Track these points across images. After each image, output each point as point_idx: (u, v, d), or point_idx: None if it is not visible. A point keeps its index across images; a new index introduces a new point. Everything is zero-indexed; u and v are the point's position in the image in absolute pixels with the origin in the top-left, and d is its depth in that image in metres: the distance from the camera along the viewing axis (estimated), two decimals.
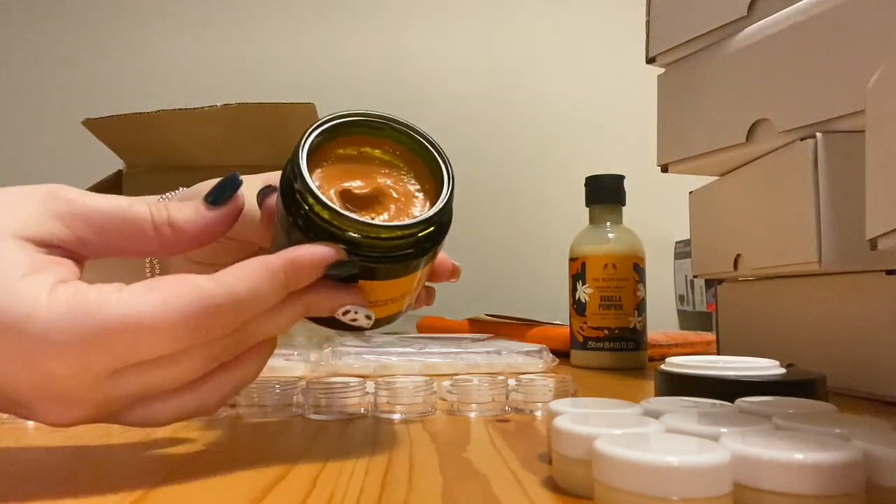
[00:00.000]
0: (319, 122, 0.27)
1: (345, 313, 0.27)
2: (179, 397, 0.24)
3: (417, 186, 0.29)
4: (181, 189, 0.35)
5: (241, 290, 0.23)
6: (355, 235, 0.25)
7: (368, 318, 0.27)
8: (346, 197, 0.27)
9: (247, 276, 0.23)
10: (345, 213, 0.25)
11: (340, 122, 0.28)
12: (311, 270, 0.25)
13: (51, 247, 0.24)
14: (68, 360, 0.21)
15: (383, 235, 0.26)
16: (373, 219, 0.27)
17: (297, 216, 0.26)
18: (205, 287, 0.23)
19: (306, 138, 0.26)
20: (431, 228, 0.27)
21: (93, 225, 0.24)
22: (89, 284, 0.22)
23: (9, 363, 0.21)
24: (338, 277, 0.26)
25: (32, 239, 0.23)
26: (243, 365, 0.26)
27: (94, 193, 0.25)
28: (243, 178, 0.31)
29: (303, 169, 0.25)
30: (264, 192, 0.29)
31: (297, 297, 0.26)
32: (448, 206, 0.27)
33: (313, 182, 0.25)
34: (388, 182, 0.28)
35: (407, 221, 0.26)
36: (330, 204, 0.25)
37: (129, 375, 0.22)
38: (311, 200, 0.25)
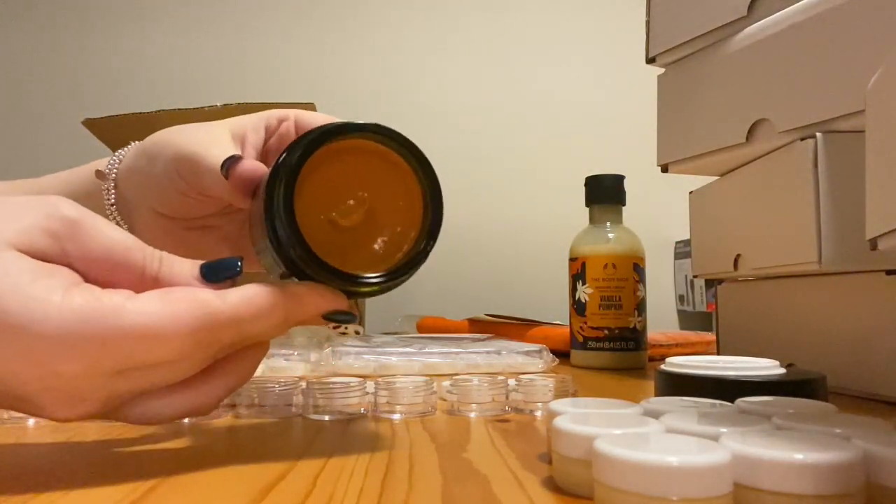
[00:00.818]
0: (303, 147, 0.26)
1: (335, 326, 0.28)
2: (178, 396, 0.25)
3: (407, 206, 0.29)
4: (133, 143, 0.35)
5: (244, 312, 0.25)
6: (347, 288, 0.27)
7: (357, 332, 0.28)
8: (334, 225, 0.28)
9: (252, 301, 0.25)
10: (338, 272, 0.26)
11: (329, 133, 0.27)
12: (312, 313, 0.26)
13: (42, 261, 0.23)
14: (80, 360, 0.22)
15: (369, 290, 0.28)
16: (362, 252, 0.28)
17: (288, 262, 0.26)
18: (212, 304, 0.24)
19: (289, 180, 0.26)
20: (414, 270, 0.28)
21: (84, 252, 0.24)
22: (101, 290, 0.23)
23: (19, 362, 0.22)
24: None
25: (25, 250, 0.23)
26: (238, 366, 0.27)
27: (99, 219, 0.25)
28: (210, 124, 0.30)
29: (298, 233, 0.26)
30: (228, 165, 0.30)
31: None
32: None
33: (307, 246, 0.26)
34: (376, 203, 0.29)
35: (397, 277, 0.28)
36: (324, 264, 0.26)
37: (132, 375, 0.23)
38: (308, 262, 0.26)
